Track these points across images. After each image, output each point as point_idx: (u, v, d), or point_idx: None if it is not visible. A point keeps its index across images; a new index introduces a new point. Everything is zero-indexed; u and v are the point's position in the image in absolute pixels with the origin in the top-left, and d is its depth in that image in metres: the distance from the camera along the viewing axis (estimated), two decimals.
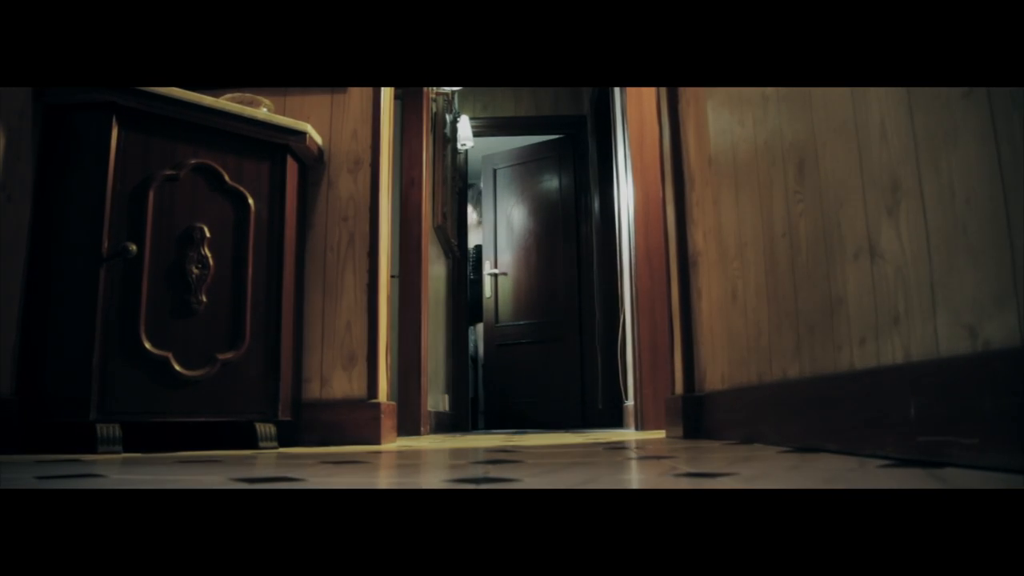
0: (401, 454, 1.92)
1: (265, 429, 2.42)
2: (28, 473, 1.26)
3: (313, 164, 2.87)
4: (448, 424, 5.78)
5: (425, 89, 4.67)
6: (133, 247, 2.20)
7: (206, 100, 2.40)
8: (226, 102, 2.47)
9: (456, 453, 1.91)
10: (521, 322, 6.84)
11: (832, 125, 1.51)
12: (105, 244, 2.17)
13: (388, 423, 2.83)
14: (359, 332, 2.79)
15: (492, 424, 6.94)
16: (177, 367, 2.28)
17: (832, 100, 1.51)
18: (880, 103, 1.30)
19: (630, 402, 4.56)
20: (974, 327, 1.03)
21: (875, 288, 1.33)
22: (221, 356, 2.37)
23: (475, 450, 2.04)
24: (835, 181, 1.51)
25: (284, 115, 2.87)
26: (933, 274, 1.14)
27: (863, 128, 1.37)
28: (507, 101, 6.96)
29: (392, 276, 4.05)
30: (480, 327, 7.80)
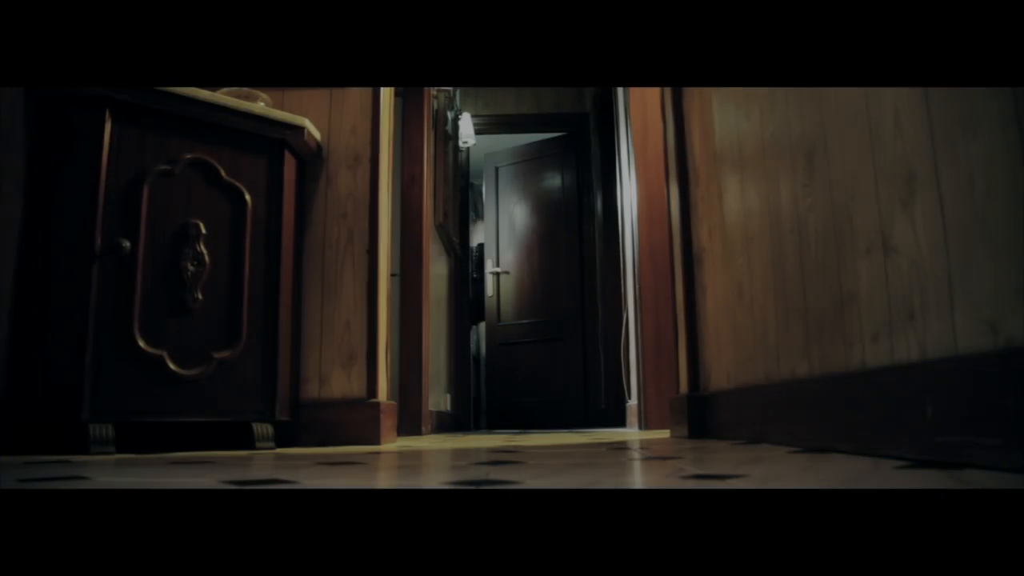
0: (400, 454, 1.88)
1: (262, 429, 2.38)
2: (12, 475, 1.22)
3: (311, 159, 2.83)
4: (450, 424, 5.74)
5: None
6: (126, 243, 2.15)
7: (202, 94, 2.36)
8: (223, 96, 2.43)
9: (457, 454, 1.87)
10: (524, 321, 6.79)
11: (842, 116, 1.47)
12: (98, 240, 2.13)
13: (388, 423, 2.79)
14: (358, 331, 2.75)
15: (494, 423, 6.90)
16: (172, 366, 2.23)
17: (842, 90, 1.46)
18: (894, 92, 1.25)
19: (633, 401, 4.51)
20: (995, 322, 0.98)
21: (888, 283, 1.29)
22: (217, 355, 2.33)
23: (476, 450, 1.99)
24: (846, 173, 1.46)
25: (282, 109, 2.83)
26: (951, 268, 1.09)
27: (875, 118, 1.32)
28: (509, 98, 6.91)
29: (393, 274, 4.02)
30: (482, 326, 7.76)
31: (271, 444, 2.39)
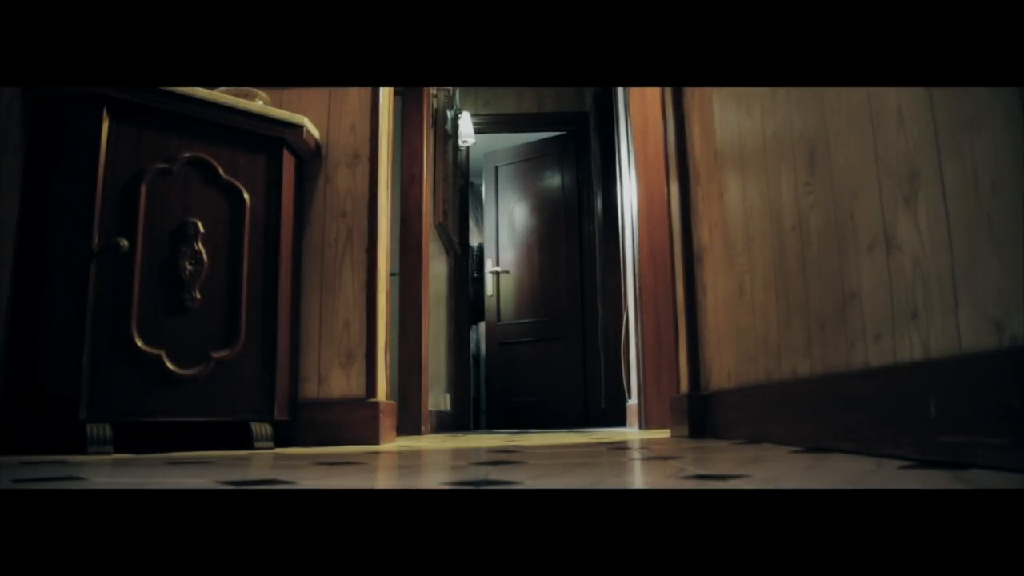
0: (400, 454, 1.87)
1: (261, 429, 2.37)
2: (7, 475, 1.21)
3: (310, 158, 2.82)
4: (450, 423, 5.73)
5: None
6: (124, 242, 2.14)
7: (200, 92, 2.35)
8: (221, 94, 2.42)
9: (456, 453, 1.86)
10: (523, 320, 6.78)
11: (844, 113, 1.46)
12: (96, 239, 2.12)
13: (387, 423, 2.78)
14: (357, 330, 2.74)
15: (494, 423, 6.89)
16: (170, 365, 2.22)
17: (844, 87, 1.45)
18: (897, 88, 1.24)
19: (633, 401, 4.50)
20: (1000, 321, 0.97)
21: (891, 281, 1.28)
22: (215, 354, 2.32)
23: (476, 450, 1.98)
24: (848, 171, 1.45)
25: (280, 108, 2.81)
26: (955, 266, 1.08)
27: (878, 115, 1.31)
28: (509, 98, 6.90)
29: (392, 274, 4.00)
30: (482, 325, 7.74)
31: (270, 444, 2.38)
